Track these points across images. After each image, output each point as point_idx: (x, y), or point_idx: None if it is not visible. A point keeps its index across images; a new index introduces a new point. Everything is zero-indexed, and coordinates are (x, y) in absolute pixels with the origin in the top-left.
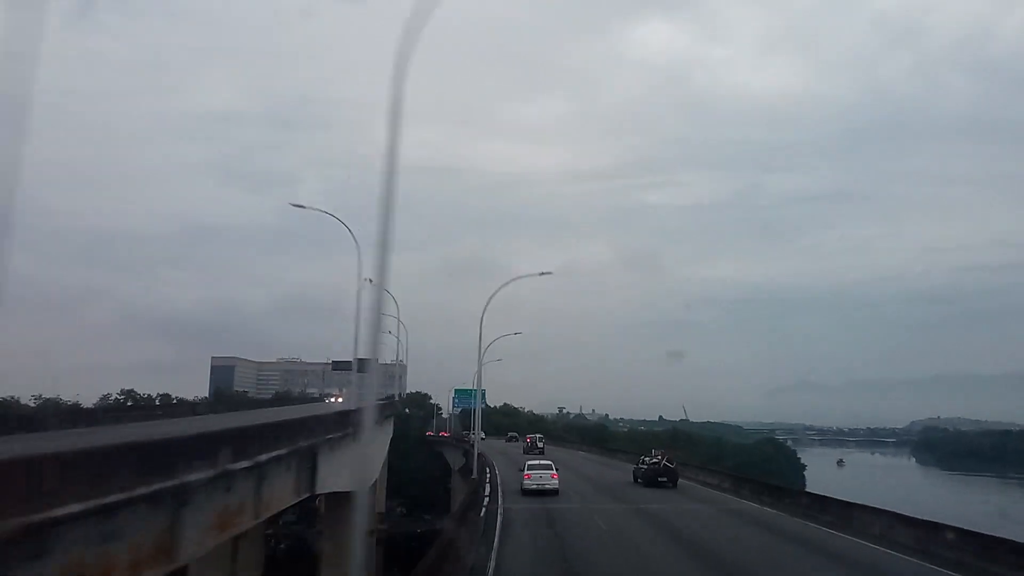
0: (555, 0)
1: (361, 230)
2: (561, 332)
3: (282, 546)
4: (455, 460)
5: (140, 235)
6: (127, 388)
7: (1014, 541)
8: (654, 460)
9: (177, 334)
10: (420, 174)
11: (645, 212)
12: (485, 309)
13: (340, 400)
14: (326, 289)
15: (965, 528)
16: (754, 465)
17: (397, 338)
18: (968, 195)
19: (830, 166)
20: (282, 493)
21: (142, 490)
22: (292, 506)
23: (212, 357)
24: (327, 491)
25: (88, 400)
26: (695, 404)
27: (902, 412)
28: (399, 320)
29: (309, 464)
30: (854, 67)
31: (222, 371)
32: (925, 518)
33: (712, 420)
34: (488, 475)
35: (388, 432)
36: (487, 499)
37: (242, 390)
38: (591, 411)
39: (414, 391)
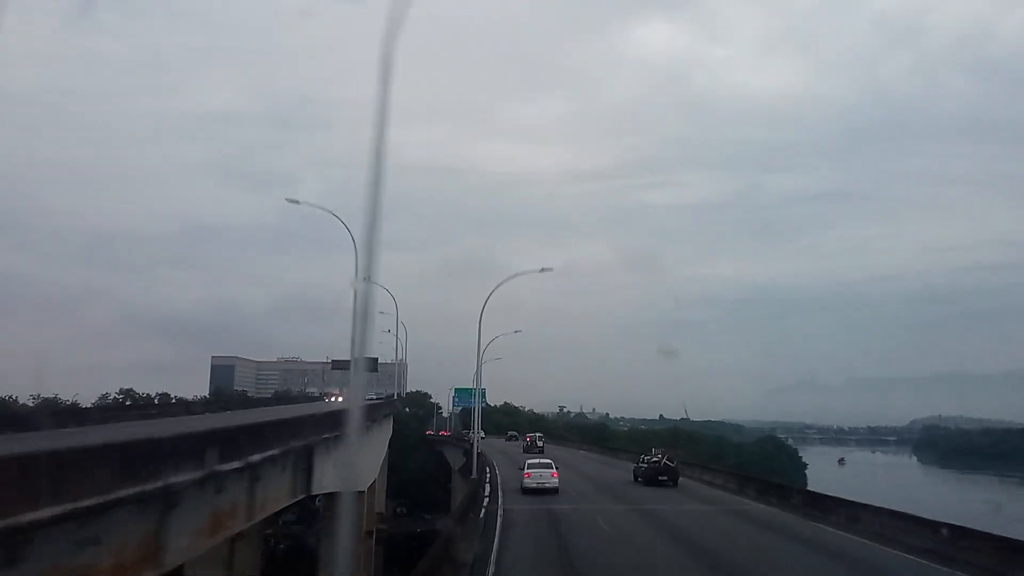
0: (555, 0)
1: (358, 229)
2: (561, 331)
3: (281, 546)
4: (455, 459)
5: (140, 235)
6: (126, 387)
7: None
8: (655, 459)
9: (177, 334)
10: (420, 174)
11: (645, 212)
12: (484, 306)
13: (340, 399)
14: (326, 289)
15: (983, 531)
16: (756, 464)
17: (396, 337)
18: (968, 195)
19: (830, 166)
20: (277, 494)
21: (125, 492)
22: (292, 506)
23: (212, 357)
24: (324, 491)
25: (87, 400)
26: (696, 403)
27: (903, 411)
28: (398, 319)
29: (305, 464)
30: (854, 67)
31: (222, 371)
32: (942, 520)
33: (713, 419)
34: (488, 475)
35: (387, 431)
36: (487, 499)
37: (242, 390)
38: (592, 410)
39: (414, 390)
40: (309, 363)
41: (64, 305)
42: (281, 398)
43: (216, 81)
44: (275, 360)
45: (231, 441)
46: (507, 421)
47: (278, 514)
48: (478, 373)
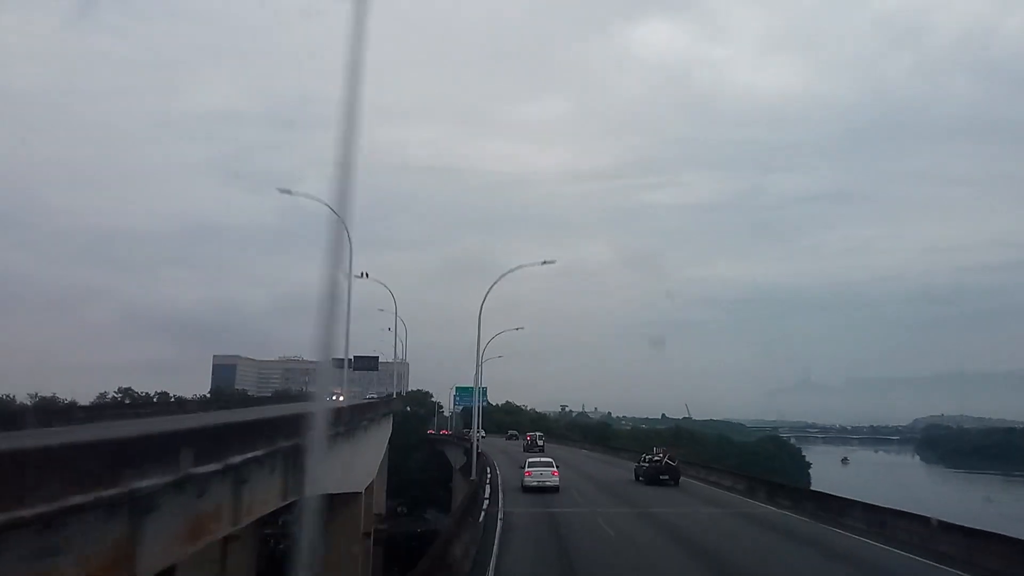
0: (558, 0)
1: (359, 229)
2: (563, 331)
3: (281, 546)
4: (456, 459)
5: (141, 234)
6: (124, 386)
7: None
8: (656, 458)
9: (179, 333)
10: (420, 174)
11: (646, 212)
12: (484, 300)
13: (341, 398)
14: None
15: (1011, 536)
16: (759, 463)
17: (395, 334)
18: (969, 195)
19: (831, 166)
20: (266, 496)
21: (94, 496)
22: (291, 506)
23: (214, 356)
24: (316, 494)
25: (86, 399)
26: (697, 403)
27: (904, 410)
28: (397, 316)
29: (296, 465)
30: (855, 67)
31: (224, 370)
32: (965, 525)
33: (715, 418)
34: (488, 475)
35: (386, 431)
36: (487, 501)
37: (242, 389)
38: (594, 409)
39: (416, 389)
40: (310, 362)
41: (65, 304)
42: (281, 397)
43: (217, 81)
44: (276, 359)
45: (210, 441)
46: (509, 420)
47: (277, 514)
48: (478, 370)
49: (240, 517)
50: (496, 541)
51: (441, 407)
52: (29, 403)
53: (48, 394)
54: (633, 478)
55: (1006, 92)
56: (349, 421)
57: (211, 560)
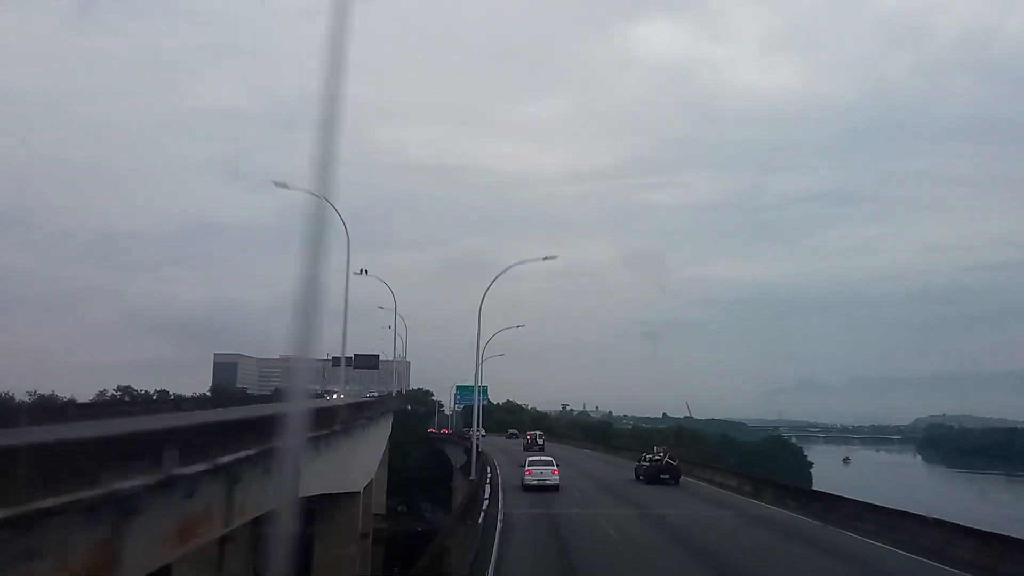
0: (558, 0)
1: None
2: (563, 330)
3: None
4: (457, 458)
5: (142, 233)
6: (124, 385)
7: None
8: (656, 457)
9: (180, 332)
10: (421, 173)
11: (646, 212)
12: (484, 296)
13: (341, 396)
14: (329, 289)
15: None
16: (761, 463)
17: (394, 331)
18: (970, 195)
19: (831, 166)
20: (258, 498)
21: (70, 498)
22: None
23: (215, 354)
24: (311, 494)
25: (85, 397)
26: (698, 402)
27: (906, 410)
28: (396, 312)
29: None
30: (856, 67)
31: (225, 368)
32: (984, 529)
33: (716, 417)
34: (489, 475)
35: (385, 430)
36: (486, 502)
37: (242, 387)
38: (595, 408)
39: (417, 388)
40: (311, 360)
41: (67, 303)
42: (281, 395)
43: (217, 80)
44: (277, 358)
45: (197, 440)
46: (510, 419)
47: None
48: (478, 369)
49: (232, 518)
50: (495, 543)
51: (442, 406)
52: (28, 401)
53: (47, 392)
54: (633, 477)
55: (1007, 92)
56: (346, 420)
57: (207, 561)
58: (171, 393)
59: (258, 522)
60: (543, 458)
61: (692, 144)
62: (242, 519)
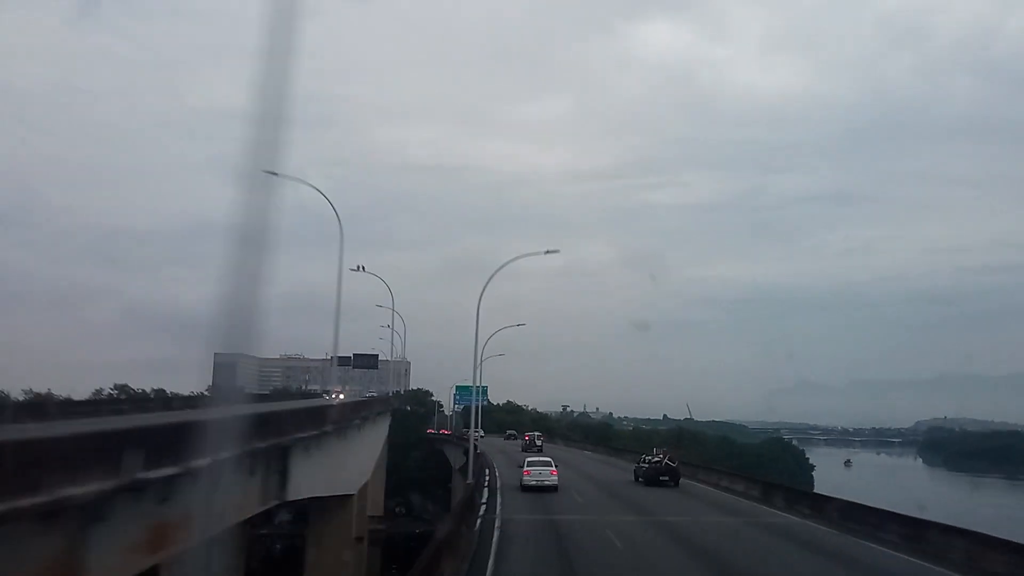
0: (558, 0)
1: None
2: (564, 331)
3: (278, 546)
4: (456, 458)
5: (143, 233)
6: (120, 383)
7: None
8: (656, 459)
9: (181, 331)
10: (421, 173)
11: (646, 212)
12: (483, 292)
13: (342, 396)
14: (327, 287)
15: None
16: (763, 465)
17: (392, 328)
18: (971, 196)
19: (831, 167)
20: (243, 501)
21: (26, 503)
22: (287, 505)
23: (215, 354)
24: (301, 497)
25: (82, 395)
26: (698, 403)
27: (906, 412)
28: (394, 311)
29: (278, 467)
30: (856, 67)
31: (224, 368)
32: (978, 530)
33: (716, 419)
34: (487, 478)
35: (382, 431)
36: (484, 506)
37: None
38: (595, 409)
39: (416, 388)
40: (311, 360)
41: (68, 302)
42: (280, 394)
43: (217, 79)
44: (278, 357)
45: (166, 441)
46: (510, 420)
47: (271, 514)
48: (476, 368)
49: (210, 525)
50: (492, 555)
51: (441, 406)
52: (22, 399)
53: (43, 391)
54: (632, 479)
55: (1007, 92)
56: (338, 420)
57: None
58: (168, 392)
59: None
60: (542, 459)
61: (692, 144)
62: (222, 526)
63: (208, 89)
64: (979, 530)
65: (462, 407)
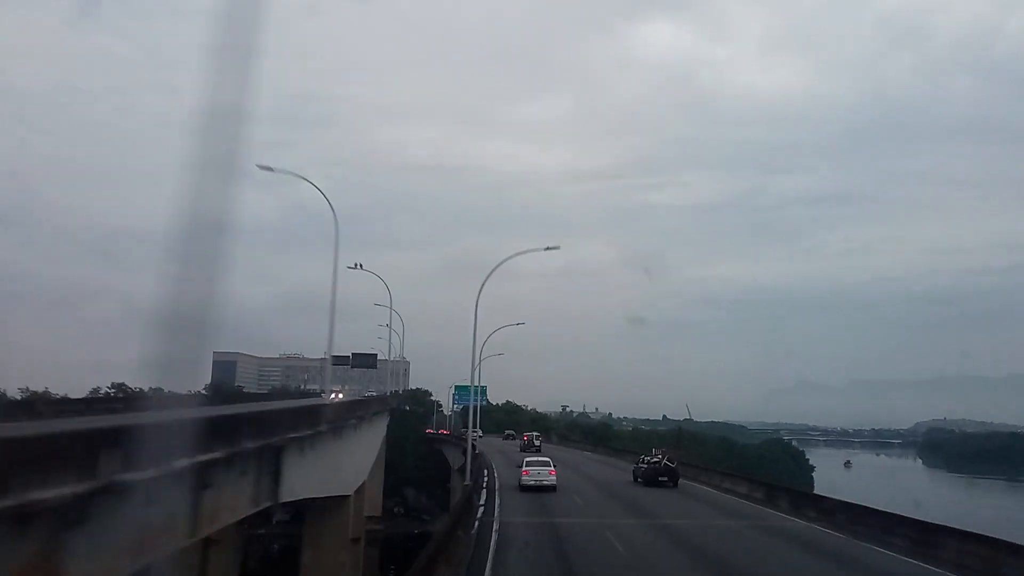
0: (557, 0)
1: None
2: (563, 331)
3: (275, 546)
4: (455, 459)
5: (144, 231)
6: (118, 382)
7: None
8: (654, 459)
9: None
10: (421, 173)
11: (646, 212)
12: (482, 288)
13: (340, 396)
14: (327, 286)
15: None
16: (763, 466)
17: (389, 327)
18: (971, 197)
19: (831, 167)
20: (233, 503)
21: None
22: (285, 505)
23: (214, 352)
24: (295, 498)
25: (80, 394)
26: (698, 404)
27: (906, 413)
28: (391, 309)
29: (271, 468)
30: (856, 68)
31: (224, 366)
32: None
33: (715, 419)
34: (485, 479)
35: (380, 429)
36: (482, 508)
37: (240, 385)
38: (595, 410)
39: (416, 388)
40: (310, 359)
41: (68, 301)
42: (278, 393)
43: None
44: (277, 357)
45: (149, 441)
46: (509, 420)
47: (269, 514)
48: (474, 367)
49: (200, 527)
50: (489, 561)
51: (440, 406)
52: (19, 397)
53: (40, 389)
54: (631, 480)
55: (1007, 92)
56: (333, 419)
57: (189, 566)
58: (165, 391)
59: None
60: (540, 459)
61: (692, 144)
62: (213, 527)
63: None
64: (983, 532)
65: (461, 407)
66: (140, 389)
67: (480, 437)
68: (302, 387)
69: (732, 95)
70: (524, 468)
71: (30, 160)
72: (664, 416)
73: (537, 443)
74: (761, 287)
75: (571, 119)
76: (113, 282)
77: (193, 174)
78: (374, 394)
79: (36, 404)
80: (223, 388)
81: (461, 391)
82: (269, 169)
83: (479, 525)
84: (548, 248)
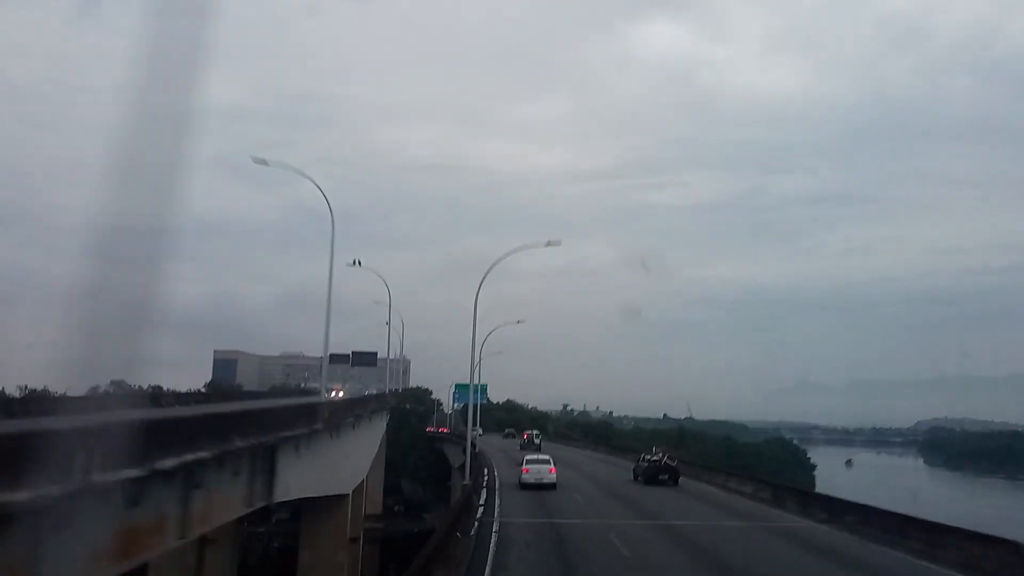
0: (558, 0)
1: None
2: (564, 330)
3: (275, 544)
4: (455, 457)
5: (145, 230)
6: (117, 379)
7: None
8: (655, 458)
9: (183, 329)
10: (422, 172)
11: (647, 212)
12: (481, 284)
13: (341, 394)
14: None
15: None
16: (765, 465)
17: (388, 325)
18: (972, 197)
19: (831, 167)
20: (225, 503)
21: None
22: (285, 503)
23: (215, 351)
24: (290, 498)
25: (79, 391)
26: (698, 402)
27: (907, 412)
28: (391, 308)
29: (265, 467)
30: (857, 68)
31: (224, 364)
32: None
33: (716, 418)
34: (485, 478)
35: (379, 428)
36: (481, 508)
37: (239, 383)
38: (595, 408)
39: (416, 386)
40: (311, 358)
41: (69, 299)
42: (277, 392)
43: (221, 77)
44: (278, 355)
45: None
46: (510, 419)
47: (270, 512)
48: (473, 364)
49: (191, 528)
50: (488, 564)
51: (440, 404)
52: (18, 395)
53: (39, 387)
54: (632, 478)
55: (1007, 93)
56: (329, 418)
57: (185, 565)
58: (164, 388)
59: (245, 522)
60: (541, 457)
61: (692, 144)
62: (204, 528)
63: (211, 88)
64: (984, 531)
65: (461, 405)
66: (139, 387)
67: (480, 435)
68: (302, 385)
69: (732, 95)
70: (524, 466)
71: (32, 157)
72: (665, 415)
73: (537, 441)
74: (761, 287)
75: (571, 119)
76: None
77: (133, 175)
78: (374, 392)
79: (27, 402)
80: (220, 385)
81: (461, 389)
82: (264, 163)
83: (478, 526)
84: (549, 243)
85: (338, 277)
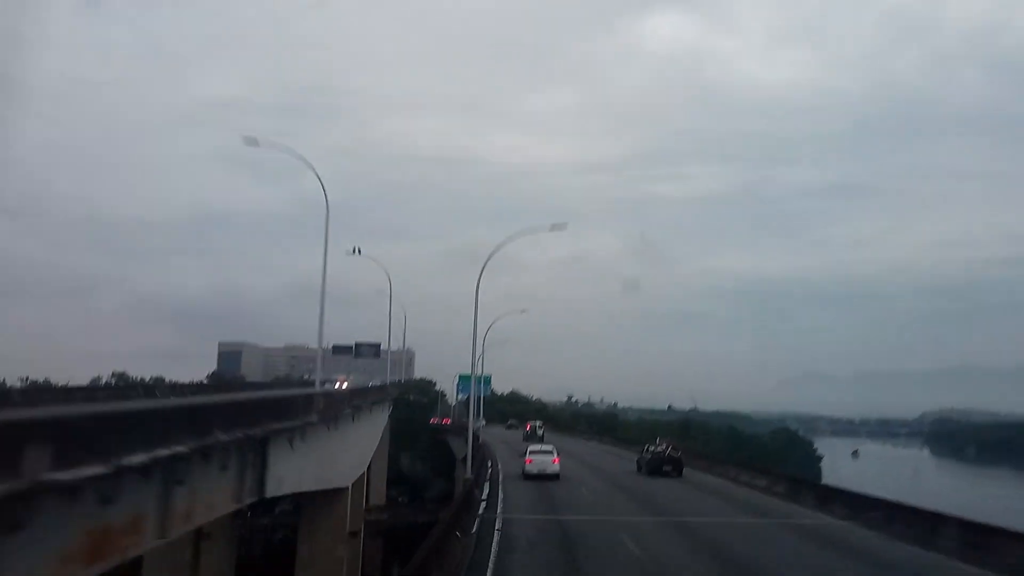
0: None
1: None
2: (569, 321)
3: (278, 536)
4: (459, 448)
5: (150, 222)
6: (119, 371)
7: None
8: (659, 449)
9: (187, 320)
10: (429, 164)
11: (653, 204)
12: (483, 270)
13: (344, 385)
14: (332, 276)
15: None
16: (772, 456)
17: (390, 315)
18: (979, 189)
19: (839, 159)
20: (211, 500)
21: None
22: (287, 496)
23: (219, 342)
24: (283, 493)
25: (82, 382)
26: (703, 393)
27: (913, 403)
28: (391, 298)
29: (255, 461)
30: (864, 60)
31: (229, 356)
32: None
33: (721, 409)
34: (488, 471)
35: (381, 419)
36: (483, 504)
37: (243, 374)
38: (600, 399)
39: (420, 377)
40: (315, 349)
41: (75, 291)
42: (280, 383)
43: (226, 70)
44: (282, 347)
45: (90, 434)
46: (514, 409)
47: (273, 504)
48: (474, 353)
49: (173, 526)
50: (490, 566)
51: (444, 395)
52: (19, 386)
53: (40, 378)
54: (635, 470)
55: (1015, 86)
56: (325, 409)
57: (181, 561)
58: (166, 380)
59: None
60: (544, 448)
61: (698, 136)
62: (187, 527)
63: (215, 80)
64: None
65: (465, 396)
66: (141, 378)
67: (483, 426)
68: (305, 376)
69: (739, 87)
70: (527, 457)
71: (38, 150)
72: (670, 406)
73: (540, 432)
74: (768, 278)
75: (577, 111)
76: (119, 272)
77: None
78: (377, 383)
79: (11, 394)
80: (223, 376)
81: (464, 380)
82: (255, 143)
83: (480, 523)
84: (554, 227)
85: (344, 267)
